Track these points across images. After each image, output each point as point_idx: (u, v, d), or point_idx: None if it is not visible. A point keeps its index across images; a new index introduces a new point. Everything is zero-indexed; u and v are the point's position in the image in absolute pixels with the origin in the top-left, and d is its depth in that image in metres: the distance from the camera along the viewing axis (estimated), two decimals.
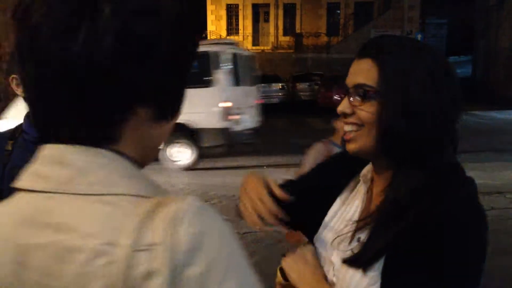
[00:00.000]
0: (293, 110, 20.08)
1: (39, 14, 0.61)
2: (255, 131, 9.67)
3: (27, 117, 1.79)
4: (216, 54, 8.70)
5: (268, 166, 8.91)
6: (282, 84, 22.99)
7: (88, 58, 0.61)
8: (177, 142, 8.64)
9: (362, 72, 1.06)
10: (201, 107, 8.16)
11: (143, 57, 0.63)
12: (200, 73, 8.41)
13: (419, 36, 22.58)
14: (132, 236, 0.57)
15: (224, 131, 8.60)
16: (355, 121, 1.07)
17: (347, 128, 1.09)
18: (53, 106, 0.64)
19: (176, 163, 8.79)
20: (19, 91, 1.76)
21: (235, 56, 9.15)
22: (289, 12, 31.01)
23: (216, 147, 8.86)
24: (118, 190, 0.62)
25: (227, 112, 8.56)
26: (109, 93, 0.62)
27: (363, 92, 1.05)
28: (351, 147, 1.09)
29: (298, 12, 31.04)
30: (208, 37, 29.65)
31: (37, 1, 0.62)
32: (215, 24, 30.67)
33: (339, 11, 30.69)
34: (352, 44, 25.51)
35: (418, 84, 1.02)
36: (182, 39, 0.67)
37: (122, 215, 0.59)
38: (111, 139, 0.65)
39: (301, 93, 23.37)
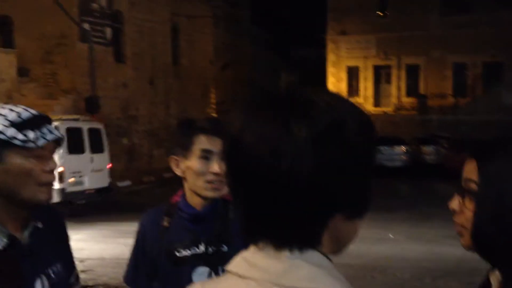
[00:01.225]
0: (417, 174, 19.35)
1: (253, 137, 0.71)
2: (102, 191, 12.31)
3: (183, 195, 1.86)
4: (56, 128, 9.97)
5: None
6: (405, 146, 22.28)
7: (295, 173, 0.68)
8: None
9: (471, 171, 1.07)
10: None
11: (343, 167, 0.70)
12: None
13: None
14: None
15: (60, 191, 10.75)
16: (459, 222, 1.09)
17: (456, 228, 1.10)
18: (259, 213, 0.72)
19: None
20: (177, 171, 1.82)
21: (72, 129, 11.38)
22: (412, 73, 30.45)
23: (55, 203, 9.58)
24: (322, 286, 0.70)
25: (61, 175, 10.67)
26: (312, 204, 0.70)
27: (467, 192, 1.06)
28: (461, 243, 1.11)
29: (421, 73, 30.40)
30: None
31: (251, 126, 0.72)
32: (336, 86, 30.89)
33: (466, 72, 29.57)
34: (481, 105, 24.27)
35: None
36: (369, 143, 0.74)
37: None
38: (313, 241, 0.73)
39: (426, 156, 22.43)
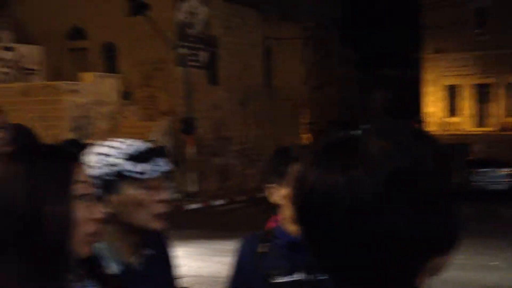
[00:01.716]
0: None
1: (322, 193, 0.68)
2: None
3: (278, 222, 1.89)
4: None
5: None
6: (510, 169, 20.91)
7: (370, 233, 0.66)
8: None
9: None
10: None
11: (423, 215, 0.67)
12: None
13: None
14: None
15: None
16: None
17: None
18: (343, 266, 0.70)
19: None
20: (273, 199, 1.85)
21: None
22: None
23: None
24: None
25: None
26: (405, 257, 0.67)
27: None
28: None
29: None
30: (426, 119, 28.89)
31: (319, 181, 0.69)
32: (434, 106, 29.83)
33: None
34: None
35: None
36: (446, 178, 0.70)
37: None
38: (412, 285, 0.70)
39: None
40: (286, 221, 1.83)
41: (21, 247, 1.01)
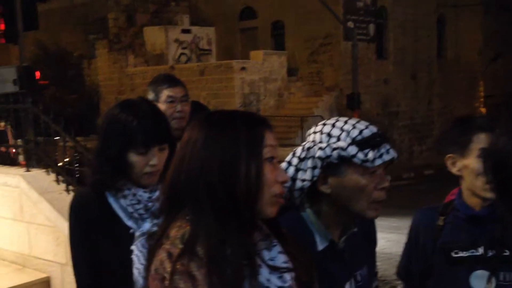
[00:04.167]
0: None
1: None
2: None
3: (459, 194, 1.81)
4: None
5: None
6: None
7: None
8: None
9: None
10: None
11: None
12: None
13: None
14: None
15: None
16: None
17: None
18: None
19: None
20: (453, 170, 1.78)
21: None
22: None
23: None
24: None
25: None
26: None
27: None
28: None
29: None
30: None
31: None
32: None
33: None
34: None
35: None
36: None
37: None
38: None
39: None
40: (468, 193, 1.76)
41: (214, 201, 1.10)
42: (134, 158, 1.67)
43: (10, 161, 8.12)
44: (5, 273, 4.96)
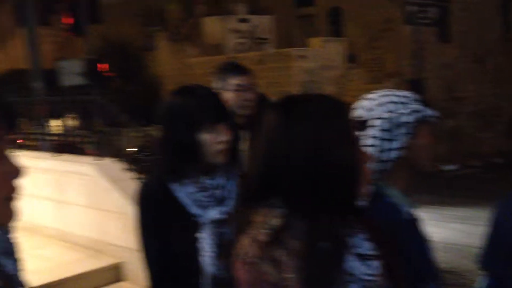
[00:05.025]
0: None
1: None
2: None
3: None
4: None
5: None
6: None
7: None
8: None
9: None
10: None
11: None
12: None
13: None
14: None
15: None
16: None
17: None
18: None
19: None
20: None
21: None
22: None
23: None
24: None
25: None
26: None
27: None
28: None
29: None
30: None
31: None
32: None
33: None
34: None
35: None
36: None
37: None
38: None
39: None
40: None
41: (313, 190, 1.09)
42: (203, 137, 1.69)
43: (78, 150, 8.43)
44: (78, 258, 5.16)
